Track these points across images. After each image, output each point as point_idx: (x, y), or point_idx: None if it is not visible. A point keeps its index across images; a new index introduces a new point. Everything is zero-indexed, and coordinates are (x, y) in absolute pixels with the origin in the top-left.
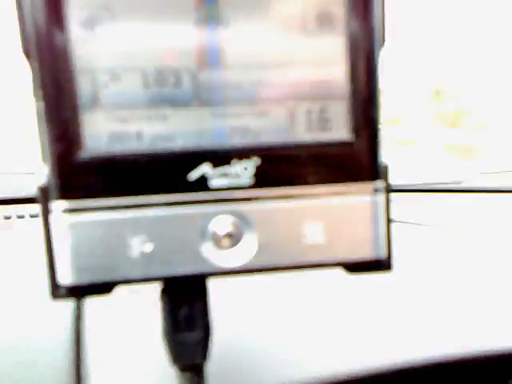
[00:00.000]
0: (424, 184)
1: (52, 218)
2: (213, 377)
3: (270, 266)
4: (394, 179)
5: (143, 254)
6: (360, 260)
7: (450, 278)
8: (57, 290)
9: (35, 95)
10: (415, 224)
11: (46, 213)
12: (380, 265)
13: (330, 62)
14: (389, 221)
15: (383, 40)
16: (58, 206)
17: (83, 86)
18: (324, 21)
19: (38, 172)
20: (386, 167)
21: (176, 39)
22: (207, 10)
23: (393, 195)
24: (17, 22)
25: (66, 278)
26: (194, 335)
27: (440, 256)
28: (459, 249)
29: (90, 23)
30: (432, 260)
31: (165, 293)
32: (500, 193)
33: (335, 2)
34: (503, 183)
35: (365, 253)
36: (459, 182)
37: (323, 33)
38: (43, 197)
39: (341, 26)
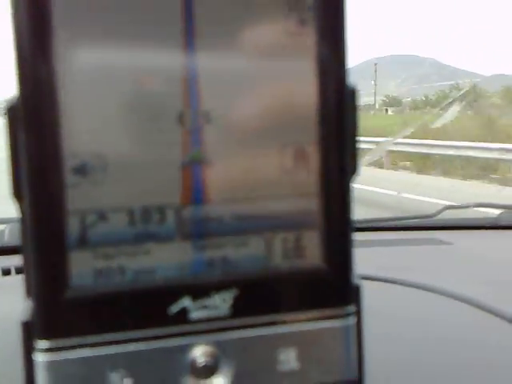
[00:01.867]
0: (390, 219)
1: (34, 356)
2: None
3: None
4: None
5: None
6: (333, 382)
7: None
8: None
9: (23, 234)
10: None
11: (27, 349)
12: None
13: (305, 195)
14: (360, 342)
15: (354, 171)
16: (41, 344)
17: (72, 227)
18: (299, 157)
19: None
20: (357, 289)
21: (162, 179)
22: (192, 154)
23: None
24: (9, 166)
25: None
26: None
27: None
28: None
29: (82, 170)
30: None
31: None
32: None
33: (311, 142)
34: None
35: (337, 375)
36: (430, 216)
37: (298, 169)
38: (26, 333)
39: (315, 162)
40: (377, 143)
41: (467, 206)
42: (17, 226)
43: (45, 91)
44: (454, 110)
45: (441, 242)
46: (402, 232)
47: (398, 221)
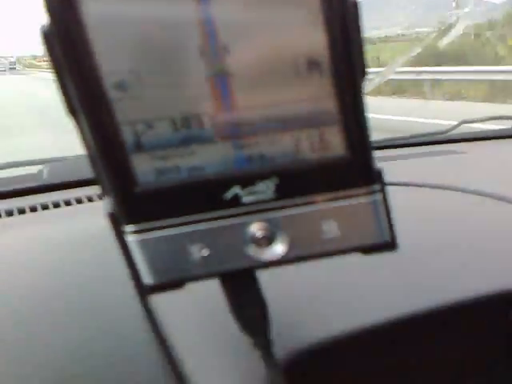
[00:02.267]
0: (405, 138)
1: (126, 238)
2: None
3: (301, 257)
4: None
5: (202, 258)
6: (371, 245)
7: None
8: (142, 289)
9: (86, 146)
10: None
11: (119, 233)
12: (387, 246)
13: (323, 97)
14: (389, 213)
15: (363, 72)
16: (127, 228)
17: (127, 135)
18: (313, 66)
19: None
20: (379, 172)
21: (192, 91)
22: (216, 68)
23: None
24: (58, 88)
25: (147, 279)
26: (252, 311)
27: None
28: None
29: (121, 86)
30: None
31: (224, 283)
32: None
33: (320, 52)
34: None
35: (373, 239)
36: (443, 133)
37: (312, 74)
38: (113, 221)
39: (327, 68)
40: None
41: (483, 120)
42: (54, 166)
43: (73, 18)
44: (458, 29)
45: (456, 152)
46: (417, 148)
47: (413, 138)
